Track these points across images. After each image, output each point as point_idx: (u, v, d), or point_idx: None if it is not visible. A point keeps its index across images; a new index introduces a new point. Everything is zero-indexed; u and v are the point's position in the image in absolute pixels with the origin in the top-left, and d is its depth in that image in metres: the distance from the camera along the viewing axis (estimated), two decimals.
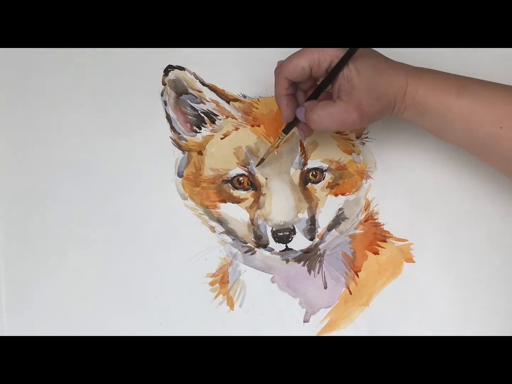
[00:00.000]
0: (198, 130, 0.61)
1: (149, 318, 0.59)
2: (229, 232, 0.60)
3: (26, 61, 0.63)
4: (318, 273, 0.60)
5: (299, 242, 0.59)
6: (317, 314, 0.59)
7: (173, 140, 0.62)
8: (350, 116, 0.51)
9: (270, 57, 0.62)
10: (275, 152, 0.60)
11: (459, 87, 0.52)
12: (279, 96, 0.54)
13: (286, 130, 0.56)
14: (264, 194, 0.59)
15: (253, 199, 0.60)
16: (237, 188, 0.60)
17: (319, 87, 0.53)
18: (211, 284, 0.60)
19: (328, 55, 0.52)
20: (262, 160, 0.58)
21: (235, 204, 0.60)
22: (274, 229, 0.59)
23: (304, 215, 0.59)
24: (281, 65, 0.54)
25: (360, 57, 0.52)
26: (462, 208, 0.61)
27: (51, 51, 0.63)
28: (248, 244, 0.60)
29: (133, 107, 0.62)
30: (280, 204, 0.59)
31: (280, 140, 0.57)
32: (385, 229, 0.61)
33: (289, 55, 0.62)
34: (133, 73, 0.63)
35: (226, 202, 0.60)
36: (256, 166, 0.59)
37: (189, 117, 0.61)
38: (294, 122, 0.55)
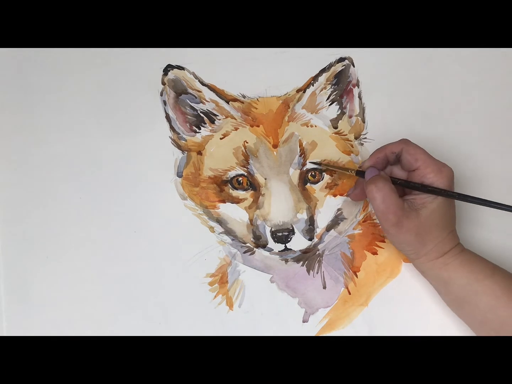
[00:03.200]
0: (198, 130, 0.61)
1: (149, 318, 0.59)
2: (228, 232, 0.60)
3: (26, 61, 0.63)
4: (317, 273, 0.60)
5: (298, 242, 0.59)
6: (316, 314, 0.60)
7: (173, 140, 0.62)
8: (391, 215, 0.52)
9: (270, 57, 0.63)
10: (274, 153, 0.60)
11: (493, 269, 0.54)
12: (383, 149, 0.56)
13: (354, 171, 0.57)
14: (263, 194, 0.59)
15: (252, 199, 0.60)
16: (236, 188, 0.60)
17: (405, 182, 0.55)
18: (211, 284, 0.60)
19: (438, 178, 0.53)
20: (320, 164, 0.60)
21: (235, 204, 0.60)
22: (273, 229, 0.59)
23: (303, 216, 0.59)
24: (410, 142, 0.55)
25: (446, 205, 0.54)
26: (460, 208, 0.61)
27: (51, 51, 0.63)
28: (247, 244, 0.60)
29: (132, 107, 0.62)
30: (279, 204, 0.59)
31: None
32: None
33: (288, 55, 0.62)
34: (132, 73, 0.63)
35: (225, 202, 0.60)
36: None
37: (189, 117, 0.61)
38: (359, 174, 0.57)
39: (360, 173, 0.57)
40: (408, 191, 0.55)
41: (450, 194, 0.53)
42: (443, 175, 0.53)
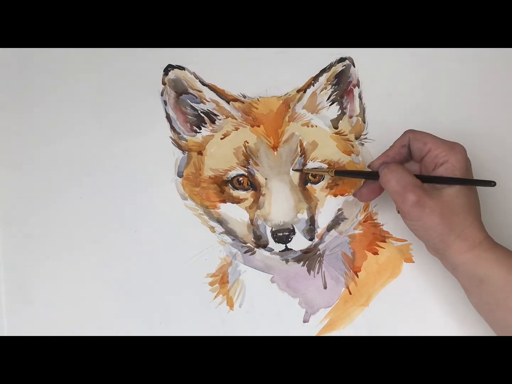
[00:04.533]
0: (198, 130, 0.61)
1: (149, 318, 0.59)
2: (229, 232, 0.60)
3: (26, 61, 0.63)
4: (317, 273, 0.60)
5: (299, 242, 0.59)
6: (317, 314, 0.60)
7: (173, 140, 0.62)
8: (409, 194, 0.49)
9: (270, 57, 0.63)
10: (275, 153, 0.60)
11: None
12: (392, 146, 0.54)
13: (339, 173, 0.58)
14: (264, 194, 0.59)
15: (252, 199, 0.60)
16: (237, 188, 0.60)
17: (421, 176, 0.52)
18: (211, 284, 0.60)
19: (451, 155, 0.51)
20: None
21: (235, 204, 0.60)
22: (273, 229, 0.59)
23: (304, 216, 0.59)
24: (415, 130, 0.53)
25: (470, 191, 0.51)
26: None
27: (51, 51, 0.63)
28: (248, 244, 0.60)
29: (133, 107, 0.62)
30: (280, 204, 0.59)
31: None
32: (384, 229, 0.61)
33: (288, 55, 0.62)
34: (133, 73, 0.63)
35: (226, 202, 0.60)
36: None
37: (189, 117, 0.61)
38: (338, 174, 0.56)
39: (339, 173, 0.57)
40: None
41: (469, 181, 0.50)
42: (456, 151, 0.51)
